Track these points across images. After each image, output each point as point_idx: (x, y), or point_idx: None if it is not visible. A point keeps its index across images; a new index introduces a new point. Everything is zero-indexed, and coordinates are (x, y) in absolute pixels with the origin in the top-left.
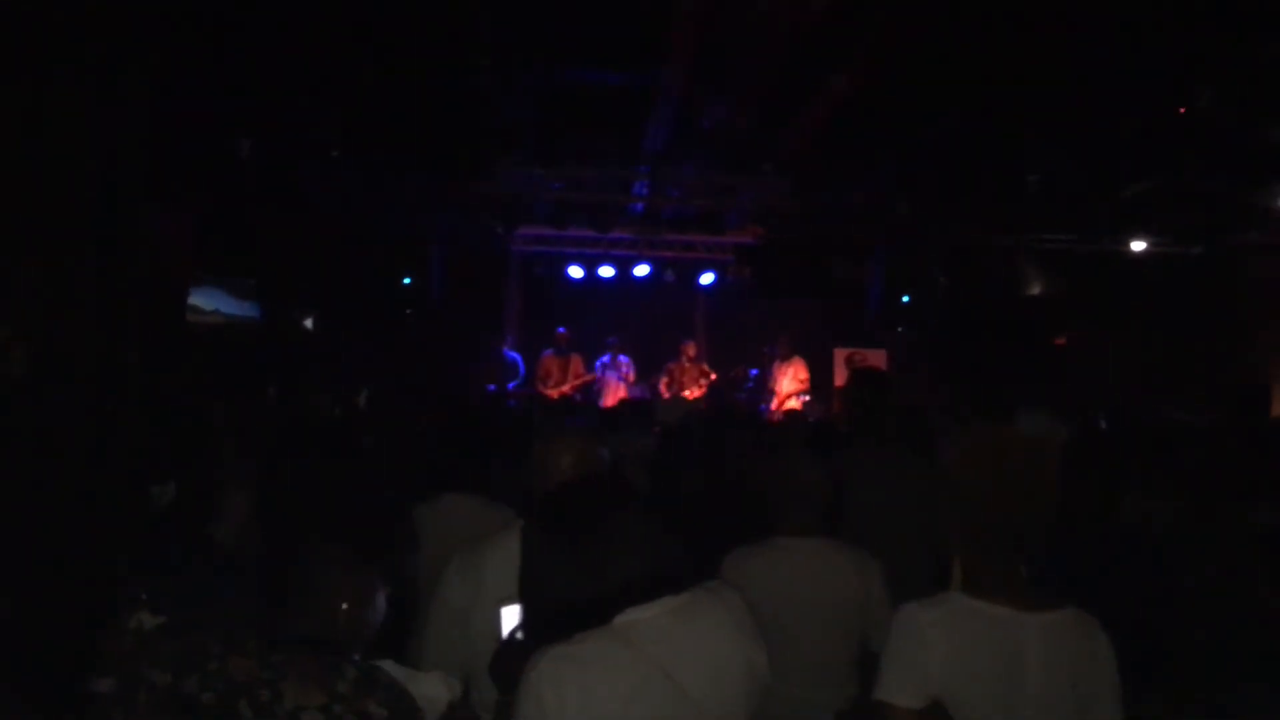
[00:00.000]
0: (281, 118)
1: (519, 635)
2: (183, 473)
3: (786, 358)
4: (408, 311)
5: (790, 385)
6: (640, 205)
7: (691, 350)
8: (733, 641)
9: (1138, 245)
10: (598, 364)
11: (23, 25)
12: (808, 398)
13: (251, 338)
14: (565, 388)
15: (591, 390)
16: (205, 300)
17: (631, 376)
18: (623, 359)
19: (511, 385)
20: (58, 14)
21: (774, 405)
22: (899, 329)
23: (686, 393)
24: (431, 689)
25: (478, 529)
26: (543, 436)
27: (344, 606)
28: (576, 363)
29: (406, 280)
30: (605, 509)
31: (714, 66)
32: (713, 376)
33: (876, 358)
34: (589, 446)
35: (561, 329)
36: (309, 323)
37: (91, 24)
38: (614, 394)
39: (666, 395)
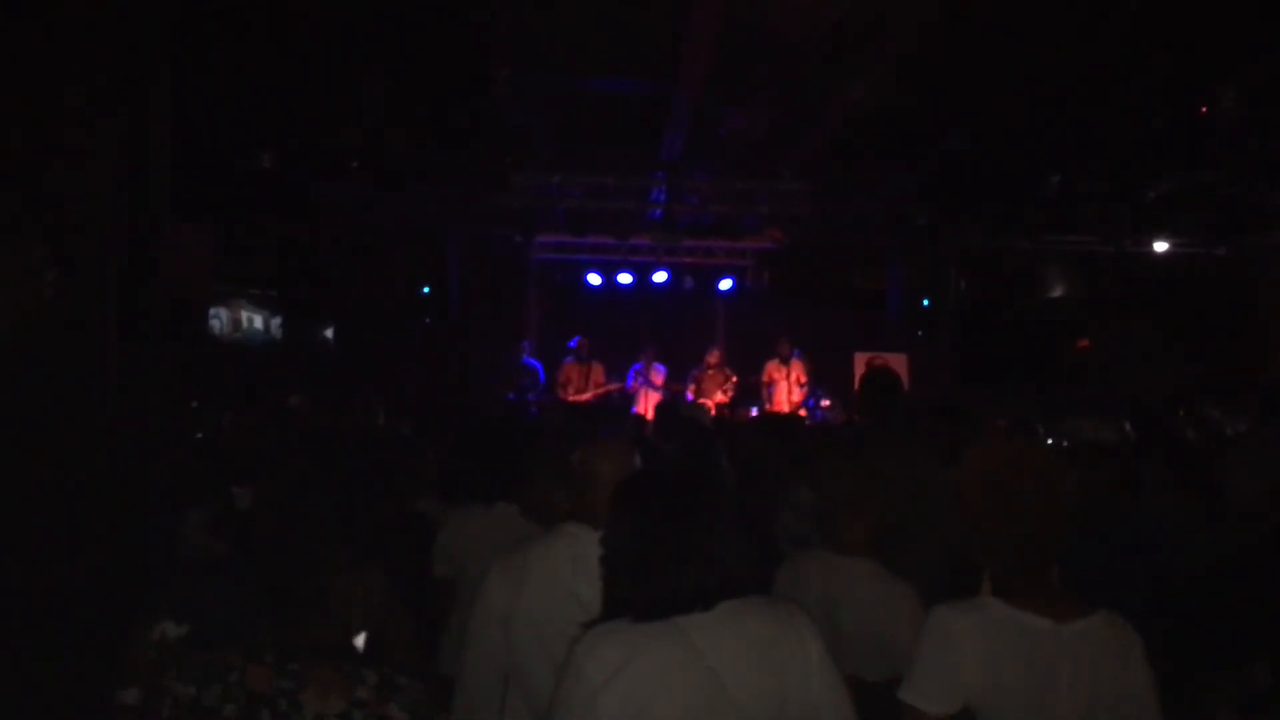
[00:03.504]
0: (301, 130)
1: None
2: (262, 478)
3: (785, 360)
4: (427, 321)
5: (793, 389)
6: (658, 212)
7: (714, 357)
8: (779, 651)
9: (1160, 247)
10: (631, 371)
11: (49, 41)
12: (828, 402)
13: (273, 349)
14: (586, 395)
15: (613, 398)
16: (227, 311)
17: (659, 380)
18: (658, 367)
19: (532, 394)
20: (83, 31)
21: (775, 409)
22: (919, 333)
23: (711, 399)
24: None
25: (522, 534)
26: (581, 445)
27: (355, 613)
28: (598, 371)
29: (426, 290)
30: (705, 503)
31: (730, 75)
32: (734, 380)
33: (897, 362)
34: (627, 453)
35: (580, 337)
36: (329, 333)
37: (115, 40)
38: (648, 402)
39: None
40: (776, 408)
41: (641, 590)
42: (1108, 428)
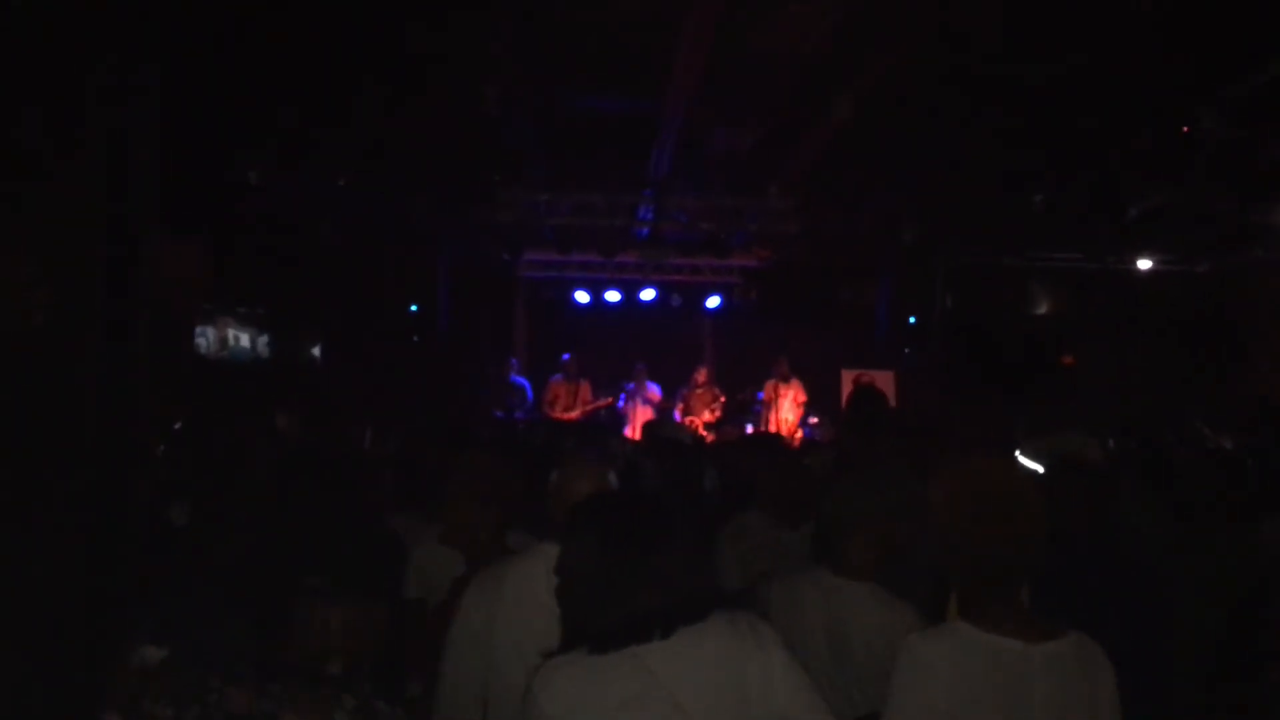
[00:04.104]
0: (290, 146)
1: None
2: (199, 495)
3: (785, 379)
4: (415, 338)
5: (791, 409)
6: (646, 230)
7: (702, 376)
8: (740, 667)
9: (1144, 264)
10: (623, 392)
11: (32, 49)
12: (815, 420)
13: (260, 366)
14: (574, 413)
15: (600, 415)
16: (214, 329)
17: (656, 398)
18: (651, 385)
19: (520, 413)
20: (67, 40)
21: (774, 429)
22: (906, 350)
23: (699, 418)
24: None
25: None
26: (561, 464)
27: (336, 637)
28: (585, 389)
29: (414, 307)
30: (663, 526)
31: (718, 92)
32: (722, 399)
33: (884, 379)
34: (603, 473)
35: (568, 355)
36: (316, 351)
37: (100, 51)
38: (639, 421)
39: (684, 422)
40: (775, 427)
41: (597, 618)
42: (1094, 445)
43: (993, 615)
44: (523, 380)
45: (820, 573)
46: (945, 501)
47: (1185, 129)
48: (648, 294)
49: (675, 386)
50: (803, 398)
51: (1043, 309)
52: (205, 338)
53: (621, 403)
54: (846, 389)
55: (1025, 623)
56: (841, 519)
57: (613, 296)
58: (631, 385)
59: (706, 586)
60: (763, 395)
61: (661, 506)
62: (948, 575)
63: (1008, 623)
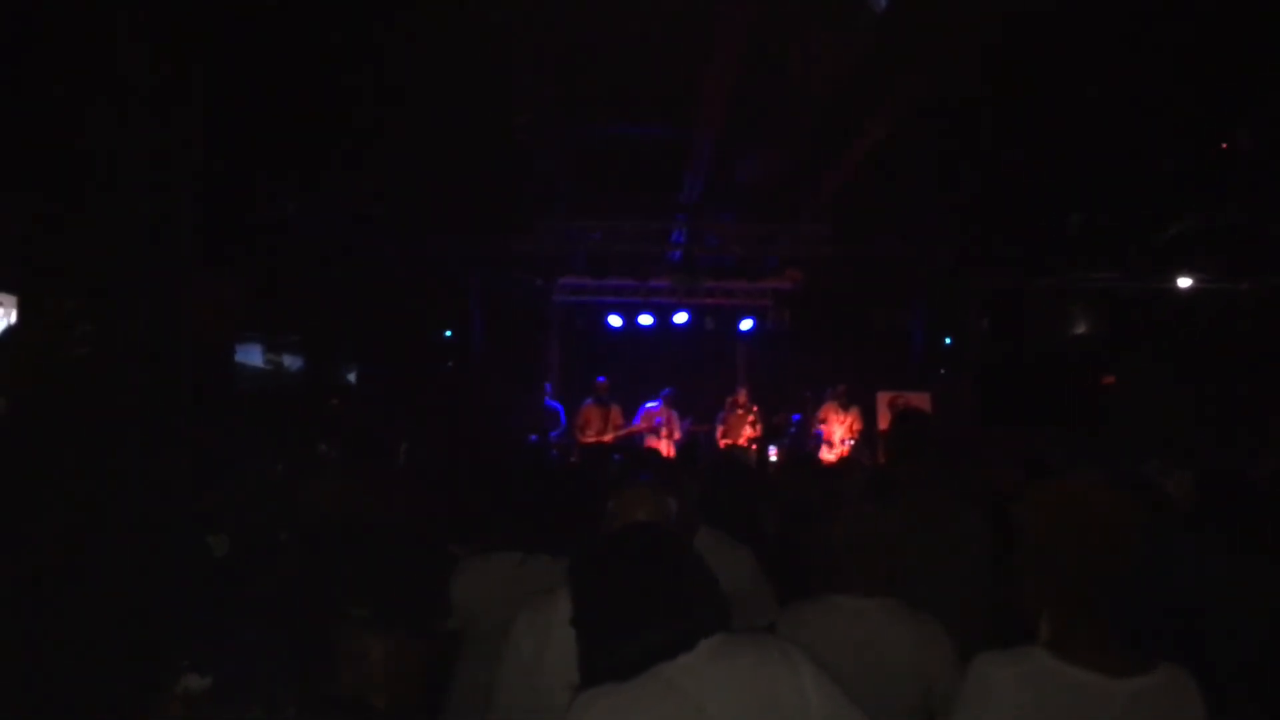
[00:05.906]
0: (325, 177)
1: None
2: (237, 526)
3: (845, 407)
4: (450, 364)
5: (846, 434)
6: (678, 254)
7: (742, 397)
8: (771, 685)
9: (1184, 282)
10: (642, 412)
11: (73, 85)
12: (852, 442)
13: (296, 394)
14: (606, 437)
15: (636, 440)
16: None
17: (676, 435)
18: (672, 413)
19: (554, 435)
20: (108, 78)
21: (825, 453)
22: (942, 371)
23: (737, 439)
24: None
25: (534, 584)
26: (617, 492)
27: (379, 669)
28: (616, 413)
29: (448, 334)
30: (667, 554)
31: (748, 118)
32: (752, 416)
33: (920, 401)
34: (660, 498)
35: (602, 378)
36: (352, 377)
37: (141, 90)
38: (661, 446)
39: (722, 444)
40: (830, 451)
41: (618, 650)
42: (1183, 477)
43: (1079, 644)
44: (556, 404)
45: (837, 597)
46: (1045, 522)
47: (1224, 145)
48: (680, 317)
49: (712, 409)
50: (859, 425)
51: (1080, 330)
52: (242, 366)
53: (638, 420)
54: (882, 411)
55: (1112, 655)
56: (851, 540)
57: (646, 320)
58: (658, 405)
59: (722, 609)
60: (798, 417)
61: (666, 536)
62: (1033, 599)
63: (1094, 653)
